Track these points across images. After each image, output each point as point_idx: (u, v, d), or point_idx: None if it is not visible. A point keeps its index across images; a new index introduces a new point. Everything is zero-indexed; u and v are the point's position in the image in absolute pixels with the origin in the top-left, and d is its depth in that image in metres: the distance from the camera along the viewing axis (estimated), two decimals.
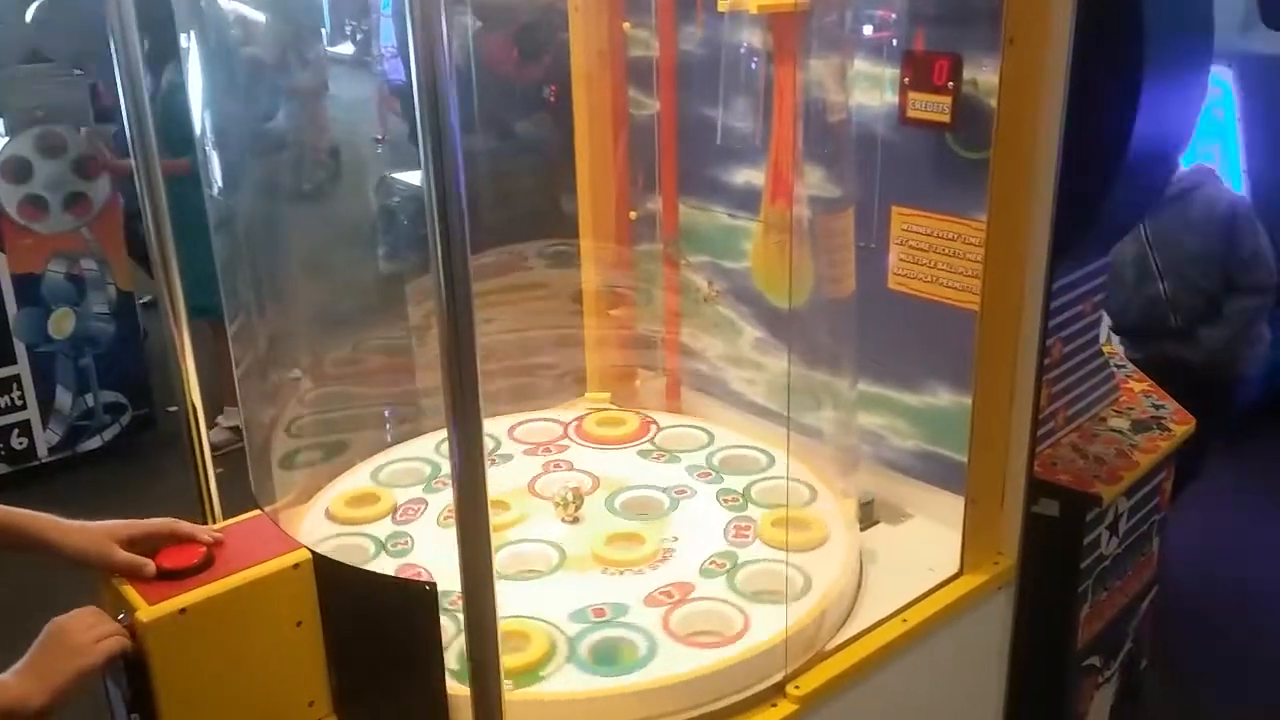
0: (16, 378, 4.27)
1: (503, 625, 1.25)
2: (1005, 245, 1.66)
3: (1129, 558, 2.17)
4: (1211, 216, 3.14)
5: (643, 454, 2.04)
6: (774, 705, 1.47)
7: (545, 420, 2.16)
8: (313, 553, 1.42)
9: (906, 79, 1.73)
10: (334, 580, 1.41)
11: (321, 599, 1.41)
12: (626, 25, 2.12)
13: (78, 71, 4.43)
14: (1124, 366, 2.49)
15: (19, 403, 4.29)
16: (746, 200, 2.03)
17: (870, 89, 1.80)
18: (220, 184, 1.69)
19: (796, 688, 1.49)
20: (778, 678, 1.49)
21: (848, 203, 1.80)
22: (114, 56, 1.53)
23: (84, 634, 1.28)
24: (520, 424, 2.14)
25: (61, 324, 4.34)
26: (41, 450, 4.38)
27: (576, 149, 2.22)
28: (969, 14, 1.65)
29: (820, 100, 1.77)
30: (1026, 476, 1.78)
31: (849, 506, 1.82)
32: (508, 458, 2.03)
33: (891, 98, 1.76)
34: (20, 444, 4.33)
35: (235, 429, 3.38)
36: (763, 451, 2.01)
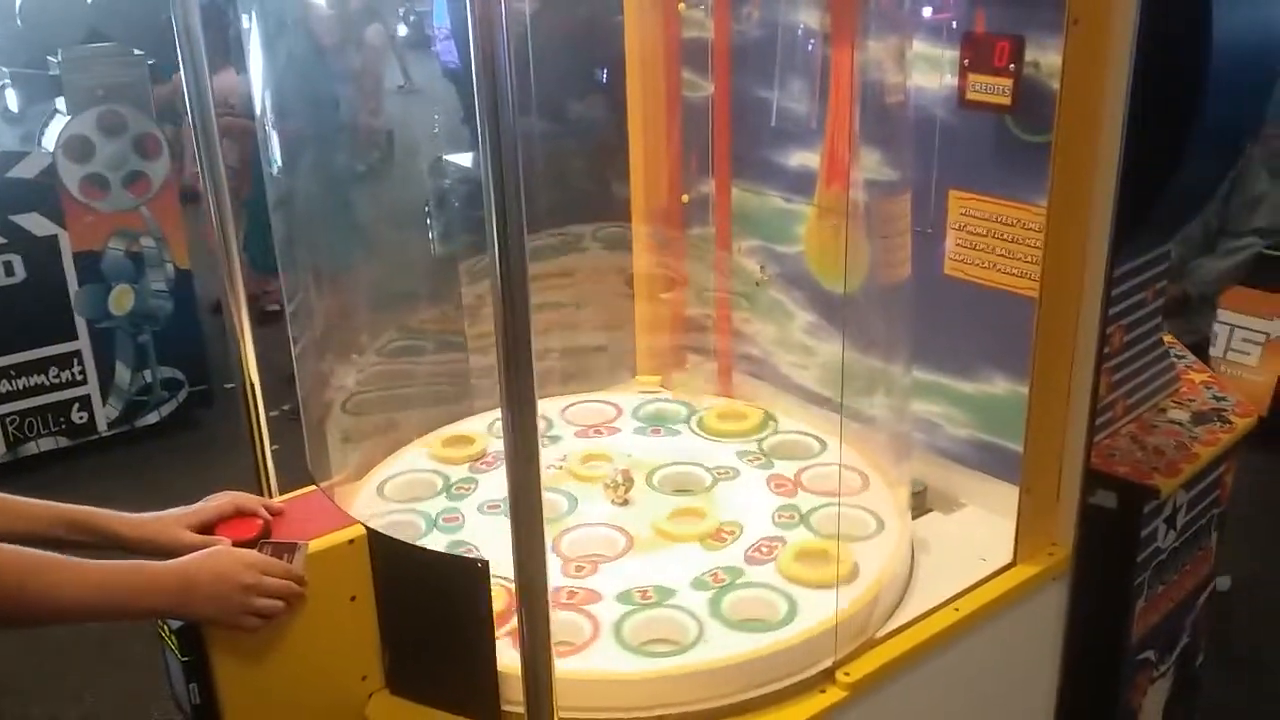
0: (77, 353, 4.36)
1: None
2: (1066, 230, 1.63)
3: (1186, 552, 2.13)
4: None
5: (693, 437, 2.03)
6: (823, 691, 1.47)
7: (597, 402, 2.16)
8: (367, 528, 1.44)
9: (966, 61, 1.70)
10: (388, 556, 1.43)
11: (375, 574, 1.43)
12: (681, 6, 2.11)
13: (137, 51, 4.49)
14: (1184, 357, 2.43)
15: (79, 377, 4.38)
16: (800, 183, 2.01)
17: (929, 71, 1.77)
18: (280, 163, 1.71)
19: (846, 674, 1.49)
20: (827, 663, 1.48)
21: (904, 186, 1.78)
22: (175, 36, 1.55)
23: (247, 597, 1.28)
24: (571, 405, 2.14)
25: (121, 300, 4.43)
26: (101, 425, 4.48)
27: (630, 131, 2.21)
28: None
29: (878, 82, 1.75)
30: (1083, 467, 1.75)
31: (901, 494, 1.80)
32: (557, 439, 2.03)
33: (950, 80, 1.74)
34: (80, 418, 4.43)
35: None
36: (815, 437, 2.00)
